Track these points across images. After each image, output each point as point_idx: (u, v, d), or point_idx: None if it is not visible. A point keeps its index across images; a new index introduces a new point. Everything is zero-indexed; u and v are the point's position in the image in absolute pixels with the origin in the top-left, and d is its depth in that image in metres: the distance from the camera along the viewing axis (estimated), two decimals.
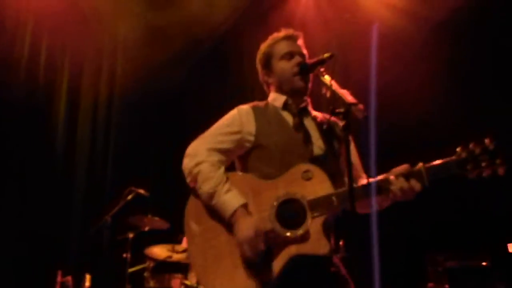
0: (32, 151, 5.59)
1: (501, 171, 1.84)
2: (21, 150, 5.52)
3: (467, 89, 5.22)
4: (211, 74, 5.84)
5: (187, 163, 2.14)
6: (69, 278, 4.63)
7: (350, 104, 1.77)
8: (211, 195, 2.06)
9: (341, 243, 4.80)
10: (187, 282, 5.02)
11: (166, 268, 5.25)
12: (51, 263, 5.00)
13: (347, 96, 1.83)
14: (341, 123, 2.26)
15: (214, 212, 2.08)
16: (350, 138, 2.28)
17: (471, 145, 1.88)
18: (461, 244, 5.51)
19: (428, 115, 5.17)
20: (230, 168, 2.21)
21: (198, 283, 4.51)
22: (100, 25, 5.92)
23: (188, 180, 2.15)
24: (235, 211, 2.00)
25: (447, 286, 5.19)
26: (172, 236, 5.18)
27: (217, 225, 2.06)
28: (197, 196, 2.13)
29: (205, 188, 2.07)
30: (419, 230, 5.61)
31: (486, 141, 1.86)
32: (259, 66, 2.39)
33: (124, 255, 4.87)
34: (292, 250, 1.92)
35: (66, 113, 5.99)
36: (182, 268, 5.32)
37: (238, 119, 2.19)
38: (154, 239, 5.03)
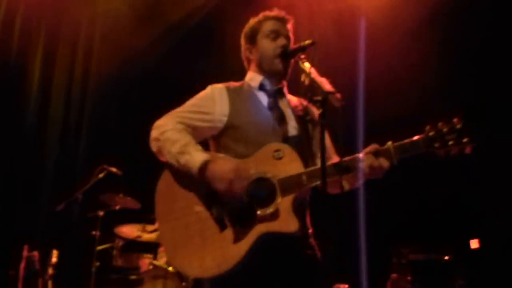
0: (2, 123, 5.46)
1: (468, 149, 1.88)
2: None
3: (452, 79, 5.43)
4: (190, 56, 5.81)
5: (153, 134, 2.12)
6: (35, 253, 4.58)
7: (328, 93, 1.80)
8: (181, 154, 2.01)
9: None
10: (156, 263, 5.03)
11: (135, 247, 5.25)
12: (18, 237, 4.94)
13: (326, 84, 1.86)
14: (316, 110, 2.34)
15: (185, 189, 2.07)
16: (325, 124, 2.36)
17: (439, 124, 1.92)
18: (425, 238, 5.68)
19: (414, 101, 5.35)
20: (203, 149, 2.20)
21: (167, 262, 4.53)
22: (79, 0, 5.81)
23: (156, 151, 2.12)
24: (205, 162, 1.98)
25: (409, 277, 5.35)
26: (142, 216, 5.17)
27: (187, 204, 2.06)
28: (167, 173, 2.12)
29: (173, 150, 2.03)
30: (386, 223, 5.74)
31: (454, 120, 1.91)
32: (243, 40, 2.37)
33: (93, 232, 4.84)
34: (262, 228, 1.94)
35: (40, 87, 5.87)
36: (152, 248, 5.32)
37: (210, 98, 2.19)
38: (125, 218, 5.02)
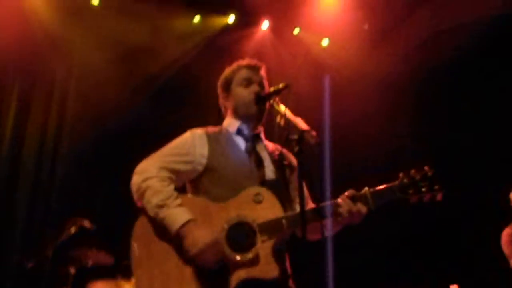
0: None
1: (439, 196, 2.00)
2: None
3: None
4: (164, 108, 5.88)
5: (136, 179, 2.12)
6: None
7: (303, 131, 1.86)
8: (160, 208, 2.02)
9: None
10: None
11: None
12: None
13: (301, 123, 1.92)
14: (290, 154, 2.39)
15: (163, 235, 2.05)
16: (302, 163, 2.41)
17: (412, 172, 2.05)
18: (407, 279, 5.68)
19: (382, 151, 5.51)
20: (180, 191, 2.19)
21: None
22: (54, 52, 5.85)
23: (135, 197, 2.12)
24: (185, 223, 1.98)
25: None
26: (116, 272, 5.01)
27: (165, 249, 2.04)
28: (145, 217, 2.10)
29: (153, 201, 2.04)
30: (367, 264, 5.74)
31: (426, 168, 2.05)
32: (219, 89, 2.45)
33: None
34: (241, 274, 1.93)
35: (12, 139, 5.77)
36: None
37: (191, 142, 2.22)
38: (98, 274, 4.84)
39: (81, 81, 5.97)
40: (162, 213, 2.02)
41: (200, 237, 1.94)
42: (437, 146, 5.62)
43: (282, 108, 2.04)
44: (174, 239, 2.02)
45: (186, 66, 6.09)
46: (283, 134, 1.95)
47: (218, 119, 2.49)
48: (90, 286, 4.73)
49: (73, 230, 4.74)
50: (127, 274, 5.07)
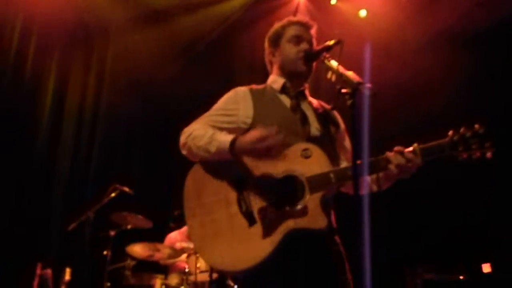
0: (15, 144, 5.51)
1: (489, 154, 1.96)
2: (2, 144, 5.44)
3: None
4: (200, 77, 5.92)
5: (182, 138, 2.17)
6: (48, 271, 4.54)
7: (358, 83, 1.84)
8: (209, 144, 2.06)
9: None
10: (168, 282, 4.98)
11: (147, 267, 5.21)
12: (31, 256, 4.90)
13: (355, 76, 1.90)
14: (335, 112, 2.38)
15: (214, 185, 2.10)
16: (344, 125, 2.40)
17: (462, 129, 2.01)
18: (438, 258, 5.63)
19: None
20: None
21: (196, 252, 4.52)
22: (93, 21, 5.94)
23: (185, 153, 2.17)
24: (234, 140, 2.02)
25: None
26: (154, 235, 5.15)
27: (216, 200, 2.08)
28: (198, 169, 2.15)
29: (200, 143, 2.08)
30: (400, 242, 5.71)
31: (476, 126, 2.00)
32: (267, 44, 2.43)
33: (105, 252, 4.81)
34: (290, 224, 1.96)
35: (52, 107, 5.94)
36: (163, 268, 5.28)
37: (234, 101, 2.23)
38: (137, 237, 4.99)
39: (118, 47, 6.05)
40: (213, 146, 2.06)
41: (254, 133, 1.99)
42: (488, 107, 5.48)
43: (334, 63, 2.02)
44: (226, 188, 2.07)
45: (223, 34, 6.09)
46: (335, 89, 1.93)
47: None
48: (129, 249, 4.90)
49: (113, 194, 4.89)
50: (178, 223, 5.23)
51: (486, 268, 5.56)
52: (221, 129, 2.17)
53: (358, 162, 2.01)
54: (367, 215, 1.85)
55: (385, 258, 5.53)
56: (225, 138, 2.05)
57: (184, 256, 4.96)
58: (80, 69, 6.20)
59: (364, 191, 2.17)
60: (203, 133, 2.11)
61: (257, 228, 1.99)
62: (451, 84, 5.65)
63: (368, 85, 1.84)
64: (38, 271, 4.50)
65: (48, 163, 5.79)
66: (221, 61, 6.10)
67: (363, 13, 6.39)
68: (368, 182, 2.20)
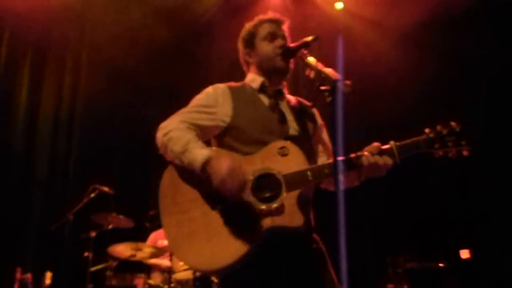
0: None
1: (465, 152, 1.99)
2: None
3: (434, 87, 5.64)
4: (180, 69, 5.87)
5: (159, 134, 2.14)
6: (29, 275, 4.48)
7: (337, 80, 1.84)
8: (183, 153, 2.03)
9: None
10: (151, 282, 4.96)
11: (129, 267, 5.17)
12: (10, 260, 4.83)
13: (333, 73, 1.90)
14: (313, 109, 2.38)
15: (189, 185, 2.08)
16: (322, 121, 2.41)
17: (438, 127, 2.04)
18: (418, 247, 5.73)
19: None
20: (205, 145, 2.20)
21: (171, 253, 4.50)
22: (67, 16, 5.83)
23: (161, 151, 2.15)
24: (207, 158, 1.98)
25: (406, 286, 5.35)
26: (136, 235, 5.12)
27: (192, 198, 2.07)
28: (173, 168, 2.13)
29: (176, 149, 2.05)
30: (381, 234, 5.78)
31: (453, 123, 2.03)
32: (241, 45, 2.41)
33: (86, 254, 4.77)
34: (267, 222, 1.96)
35: (27, 108, 5.84)
36: (146, 267, 5.25)
37: (213, 98, 2.21)
38: (118, 237, 4.95)
39: (94, 44, 5.96)
40: (186, 158, 2.03)
41: (220, 167, 1.94)
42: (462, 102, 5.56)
43: (312, 60, 2.02)
44: (202, 187, 2.05)
45: (199, 27, 6.05)
46: (314, 86, 1.92)
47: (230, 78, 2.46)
48: (110, 249, 4.85)
49: (93, 195, 4.85)
50: (154, 223, 5.19)
51: (465, 254, 5.68)
52: (199, 126, 2.16)
53: (339, 159, 2.03)
54: (343, 210, 1.86)
55: (367, 250, 5.61)
56: (198, 155, 2.00)
57: (167, 254, 4.94)
58: (55, 68, 6.09)
59: (343, 187, 2.18)
60: (178, 136, 2.08)
61: (234, 226, 1.98)
62: (425, 77, 5.72)
63: (347, 82, 1.84)
64: (18, 276, 4.44)
65: (26, 166, 5.71)
66: (200, 55, 6.06)
67: (339, 5, 6.40)
68: (345, 178, 2.22)
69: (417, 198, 5.82)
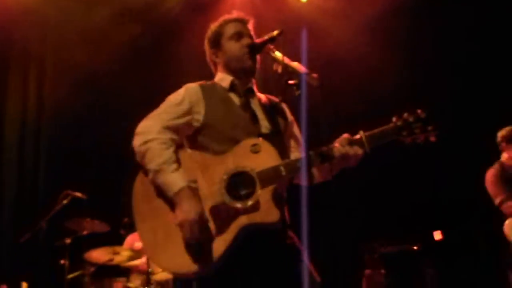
0: None
1: (432, 137, 2.06)
2: None
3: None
4: (146, 70, 5.81)
5: (136, 141, 2.12)
6: (4, 286, 4.38)
7: (304, 74, 1.86)
8: (157, 173, 2.04)
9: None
10: (130, 285, 4.92)
11: (107, 272, 5.11)
12: None
13: (300, 67, 1.92)
14: (283, 105, 2.40)
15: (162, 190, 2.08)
16: (292, 116, 2.43)
17: (405, 114, 2.10)
18: (391, 231, 5.84)
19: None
20: (178, 147, 2.19)
21: (148, 260, 4.48)
22: (28, 22, 5.68)
23: (137, 158, 2.13)
24: (179, 191, 2.00)
25: (383, 271, 5.48)
26: (112, 239, 5.06)
27: (166, 202, 2.06)
28: (145, 174, 2.12)
29: (151, 165, 2.05)
30: (353, 220, 5.87)
31: (418, 111, 2.10)
32: (207, 46, 2.41)
33: (62, 261, 4.69)
34: (243, 220, 1.97)
35: None
36: (124, 271, 5.20)
37: (187, 98, 2.21)
38: (94, 243, 4.88)
39: (57, 49, 5.83)
40: (159, 179, 2.04)
41: (188, 211, 1.96)
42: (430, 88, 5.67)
43: (279, 54, 2.04)
44: None
45: (165, 27, 5.99)
46: (282, 80, 1.94)
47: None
48: (87, 255, 4.79)
49: (65, 201, 4.77)
50: (129, 230, 5.14)
51: (437, 235, 5.83)
52: (176, 127, 2.16)
53: (310, 153, 2.06)
54: (306, 204, 1.91)
55: (341, 237, 5.69)
56: (174, 183, 2.01)
57: (145, 256, 4.90)
58: (19, 74, 5.93)
59: (316, 181, 2.21)
60: (157, 153, 2.07)
61: (210, 227, 1.99)
62: (392, 65, 5.83)
63: (314, 75, 1.87)
64: None
65: None
66: (169, 54, 6.00)
67: None
68: (318, 172, 2.25)
69: (387, 182, 5.92)
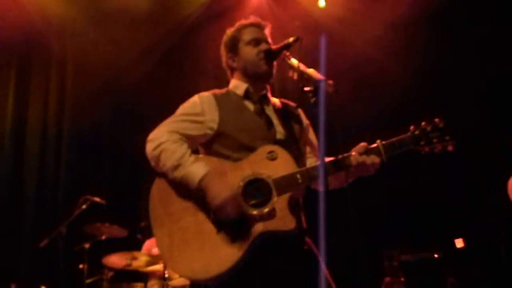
0: None
1: (450, 147, 2.04)
2: None
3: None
4: (165, 77, 5.85)
5: (149, 147, 2.13)
6: None
7: (320, 81, 1.85)
8: (176, 168, 2.04)
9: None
10: None
11: (125, 277, 5.14)
12: (4, 276, 4.78)
13: (316, 74, 1.91)
14: (299, 110, 2.39)
15: (179, 194, 2.08)
16: (308, 121, 2.42)
17: (423, 124, 2.08)
18: (412, 238, 5.76)
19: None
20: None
21: (164, 266, 4.50)
22: (49, 29, 5.78)
23: (152, 164, 2.14)
24: (203, 177, 2.00)
25: (402, 278, 5.39)
26: (131, 244, 5.09)
27: (183, 207, 2.07)
28: (162, 179, 2.12)
29: (169, 163, 2.06)
30: (375, 226, 5.80)
31: (436, 120, 2.08)
32: (223, 51, 2.41)
33: (81, 266, 4.74)
34: (259, 227, 1.96)
35: (14, 119, 5.78)
36: (142, 276, 5.22)
37: (200, 107, 2.21)
38: (112, 247, 4.91)
39: (77, 56, 5.92)
40: (180, 173, 2.04)
41: (219, 192, 1.97)
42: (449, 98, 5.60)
43: (295, 61, 2.03)
44: (193, 196, 2.06)
45: (184, 33, 6.03)
46: (298, 87, 1.93)
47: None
48: (105, 260, 4.82)
49: (84, 206, 4.81)
50: (146, 234, 5.17)
51: (459, 243, 5.72)
52: (188, 136, 2.16)
53: (328, 160, 2.04)
54: (324, 208, 1.88)
55: (361, 244, 5.62)
56: (194, 173, 2.02)
57: (162, 261, 4.92)
58: (40, 84, 6.03)
59: (331, 187, 2.19)
60: (172, 150, 2.08)
61: (226, 233, 1.98)
62: (408, 72, 5.76)
63: (330, 81, 1.85)
64: None
65: (15, 181, 5.64)
66: (187, 62, 6.05)
67: (322, 3, 6.42)
68: (334, 179, 2.23)
69: (408, 189, 5.85)
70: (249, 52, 2.29)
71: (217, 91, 2.32)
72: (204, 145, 2.25)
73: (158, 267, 5.00)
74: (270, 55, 2.24)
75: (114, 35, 5.70)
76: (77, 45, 5.95)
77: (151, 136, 2.16)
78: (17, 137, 5.81)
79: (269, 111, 2.30)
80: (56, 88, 6.07)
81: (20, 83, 5.92)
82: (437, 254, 5.50)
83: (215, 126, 2.17)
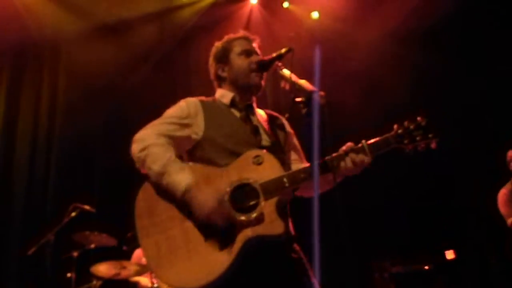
0: None
1: (433, 145, 2.05)
2: None
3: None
4: (155, 84, 5.85)
5: (135, 148, 2.11)
6: None
7: (311, 92, 1.87)
8: (162, 175, 2.02)
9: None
10: None
11: (114, 286, 5.07)
12: None
13: (307, 85, 1.93)
14: (283, 119, 2.40)
15: (165, 204, 2.06)
16: (292, 131, 2.43)
17: (405, 122, 2.09)
18: (402, 250, 5.74)
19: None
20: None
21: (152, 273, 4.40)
22: (42, 34, 5.78)
23: (137, 166, 2.12)
24: (188, 186, 1.98)
25: None
26: (120, 253, 5.03)
27: (169, 216, 2.04)
28: (145, 190, 2.10)
29: (154, 168, 2.04)
30: (365, 238, 5.78)
31: (418, 118, 2.08)
32: (212, 61, 2.42)
33: (69, 274, 4.67)
34: (247, 233, 1.95)
35: (4, 124, 5.74)
36: (131, 286, 5.16)
37: (186, 110, 2.21)
38: (101, 256, 4.86)
39: (69, 61, 5.91)
40: (165, 180, 2.02)
41: (206, 200, 1.95)
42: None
43: (287, 72, 2.04)
44: (179, 204, 2.03)
45: (178, 42, 6.06)
46: (289, 98, 1.95)
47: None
48: (94, 269, 4.76)
49: (74, 214, 4.76)
50: (132, 245, 5.11)
51: (450, 255, 5.72)
52: (174, 138, 2.16)
53: (315, 162, 2.04)
54: (318, 215, 1.87)
55: (351, 255, 5.60)
56: (179, 181, 2.00)
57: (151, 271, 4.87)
58: (31, 88, 6.01)
59: (321, 190, 2.19)
60: (158, 154, 2.06)
61: (214, 241, 1.96)
62: (402, 82, 5.81)
63: (321, 93, 1.87)
64: None
65: (3, 188, 5.59)
66: (180, 69, 6.06)
67: (315, 15, 6.49)
68: (322, 180, 2.22)
69: (398, 200, 5.86)
70: (240, 63, 2.31)
71: (203, 98, 2.33)
72: (189, 151, 2.24)
73: (148, 276, 4.96)
74: (263, 66, 2.25)
75: (107, 42, 5.70)
76: (69, 50, 5.95)
77: (137, 136, 2.15)
78: (7, 143, 5.77)
79: (255, 119, 2.32)
80: (47, 93, 6.05)
81: (12, 87, 5.90)
82: (427, 265, 5.49)
83: (200, 131, 2.18)
